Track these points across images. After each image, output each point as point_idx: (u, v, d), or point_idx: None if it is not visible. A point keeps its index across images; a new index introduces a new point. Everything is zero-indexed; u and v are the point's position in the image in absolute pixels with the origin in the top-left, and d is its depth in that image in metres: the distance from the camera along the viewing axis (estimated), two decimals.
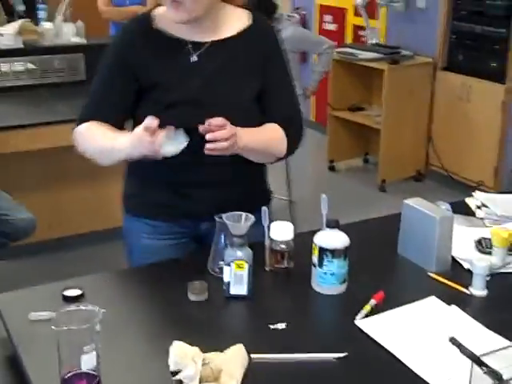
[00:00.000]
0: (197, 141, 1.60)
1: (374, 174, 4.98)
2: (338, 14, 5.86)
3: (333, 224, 1.56)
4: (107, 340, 1.30)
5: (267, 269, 1.67)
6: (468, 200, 2.11)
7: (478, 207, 2.03)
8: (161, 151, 1.57)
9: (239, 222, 1.54)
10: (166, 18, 1.74)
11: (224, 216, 1.55)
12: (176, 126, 1.62)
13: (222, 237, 1.63)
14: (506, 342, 1.35)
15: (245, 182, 1.85)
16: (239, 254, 1.53)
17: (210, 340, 1.36)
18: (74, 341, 1.21)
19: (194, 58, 1.75)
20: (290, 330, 1.43)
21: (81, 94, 3.86)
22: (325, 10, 6.03)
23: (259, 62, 1.79)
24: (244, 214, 1.55)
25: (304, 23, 6.18)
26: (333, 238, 1.55)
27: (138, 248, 1.91)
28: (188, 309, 1.51)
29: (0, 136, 3.28)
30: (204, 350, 1.29)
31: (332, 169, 5.30)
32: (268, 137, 1.79)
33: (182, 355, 1.27)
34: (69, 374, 1.24)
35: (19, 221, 2.90)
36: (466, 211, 2.04)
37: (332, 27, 5.96)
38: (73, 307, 1.26)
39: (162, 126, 1.58)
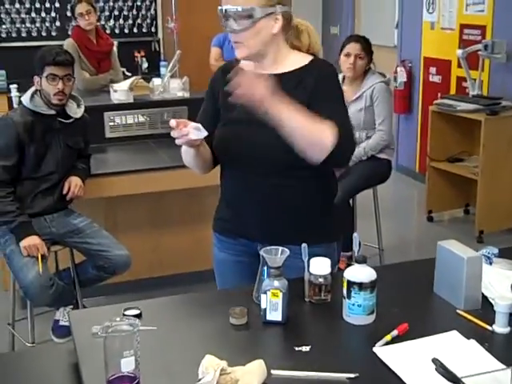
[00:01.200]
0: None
1: (474, 225, 4.96)
2: (443, 66, 5.94)
3: (361, 260, 1.71)
4: (154, 351, 1.53)
5: (306, 300, 1.84)
6: None
7: None
8: (189, 136, 1.86)
9: (276, 255, 1.73)
10: (245, 65, 2.06)
11: (262, 250, 1.74)
12: (224, 142, 2.05)
13: (265, 269, 1.82)
14: None
15: (300, 213, 2.04)
16: (275, 283, 1.71)
17: (239, 356, 1.54)
18: (115, 347, 1.44)
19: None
20: (312, 353, 1.59)
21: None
22: (430, 62, 6.13)
23: (305, 94, 1.96)
24: (280, 249, 1.74)
25: (410, 75, 6.32)
26: (360, 273, 1.70)
27: (214, 259, 2.24)
28: (227, 330, 1.71)
29: (109, 180, 3.65)
30: (231, 364, 1.48)
31: (430, 219, 5.32)
32: (314, 120, 1.87)
33: (209, 365, 1.47)
34: (113, 377, 1.47)
35: (116, 257, 3.21)
36: None
37: (436, 79, 6.04)
38: (117, 320, 1.49)
39: (217, 143, 2.06)
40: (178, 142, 1.89)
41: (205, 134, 1.89)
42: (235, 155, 2.07)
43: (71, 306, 3.29)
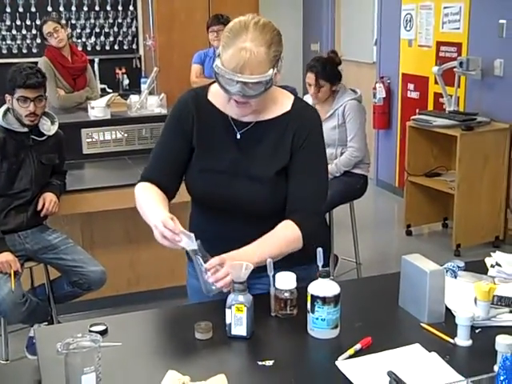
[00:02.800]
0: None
1: (451, 238, 4.99)
2: (420, 82, 6.00)
3: (324, 274, 1.73)
4: (117, 366, 1.54)
5: (272, 314, 1.85)
6: (486, 259, 2.20)
7: (492, 266, 2.12)
8: (180, 243, 1.80)
9: (240, 270, 1.74)
10: (218, 95, 1.94)
11: (227, 265, 1.75)
12: (206, 189, 1.97)
13: (199, 257, 1.80)
14: None
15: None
16: (240, 298, 1.72)
17: (203, 371, 1.55)
18: (76, 363, 1.45)
19: (238, 136, 1.97)
20: (275, 367, 1.60)
21: None
22: (408, 78, 6.20)
23: (288, 144, 1.95)
24: (244, 264, 1.75)
25: (388, 91, 6.38)
26: (324, 287, 1.72)
27: (188, 287, 2.18)
28: (192, 345, 1.71)
29: (86, 196, 3.65)
30: (194, 379, 1.49)
31: (409, 233, 5.36)
32: (280, 242, 1.89)
33: (171, 381, 1.48)
34: None
35: (91, 273, 3.21)
36: (482, 270, 2.13)
37: (414, 95, 6.11)
38: (78, 336, 1.49)
39: (196, 188, 1.98)
40: (164, 243, 1.81)
41: (194, 247, 1.80)
42: (216, 203, 2.00)
43: (46, 323, 3.27)
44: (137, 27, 7.24)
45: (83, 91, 5.01)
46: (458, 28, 5.45)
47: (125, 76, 7.05)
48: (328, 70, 4.06)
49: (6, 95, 3.13)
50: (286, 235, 1.91)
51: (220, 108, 1.99)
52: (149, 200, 1.97)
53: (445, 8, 5.56)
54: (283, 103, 2.00)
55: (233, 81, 1.81)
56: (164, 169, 2.03)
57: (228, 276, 1.73)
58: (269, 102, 1.97)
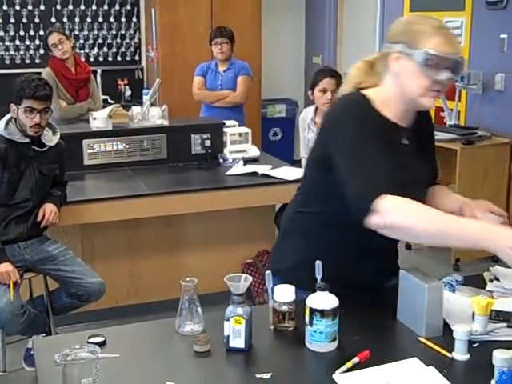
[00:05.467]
0: None
1: (451, 253, 4.99)
2: None
3: (323, 287, 1.73)
4: (115, 378, 1.55)
5: (271, 327, 1.85)
6: (485, 274, 2.20)
7: (491, 280, 2.12)
8: None
9: (239, 282, 1.74)
10: (380, 102, 1.91)
11: (226, 277, 1.76)
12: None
13: (187, 299, 1.83)
14: None
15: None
16: (238, 310, 1.72)
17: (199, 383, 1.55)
18: (74, 374, 1.45)
19: (406, 141, 1.97)
20: (273, 380, 1.60)
21: (161, 171, 4.26)
22: None
23: (427, 140, 2.09)
24: (243, 276, 1.75)
25: None
26: (322, 300, 1.72)
27: None
28: (190, 357, 1.71)
29: (87, 207, 3.66)
30: None
31: (408, 247, 5.36)
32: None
33: None
34: None
35: (90, 284, 3.21)
36: (480, 284, 2.13)
37: None
38: (77, 348, 1.50)
39: None
40: None
41: None
42: None
43: (44, 334, 3.27)
44: (139, 39, 7.28)
45: (85, 103, 5.03)
46: (460, 42, 5.46)
47: (127, 87, 7.08)
48: (341, 79, 4.16)
49: (12, 105, 3.15)
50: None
51: (388, 116, 1.92)
52: (443, 215, 1.75)
53: (447, 22, 5.57)
54: None
55: (448, 65, 1.82)
56: (394, 181, 1.80)
57: None
58: None
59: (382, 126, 1.90)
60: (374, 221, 1.74)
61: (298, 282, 1.88)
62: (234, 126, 4.68)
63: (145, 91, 5.68)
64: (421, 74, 1.84)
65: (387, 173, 1.79)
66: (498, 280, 2.10)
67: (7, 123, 3.17)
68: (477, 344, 1.74)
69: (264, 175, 4.05)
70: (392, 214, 1.73)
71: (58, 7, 6.87)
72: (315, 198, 2.03)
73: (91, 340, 1.77)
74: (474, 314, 1.82)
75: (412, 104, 1.92)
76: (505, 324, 1.81)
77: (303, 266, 1.93)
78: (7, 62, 6.84)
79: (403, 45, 1.86)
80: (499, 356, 1.52)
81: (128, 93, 7.06)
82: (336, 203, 1.88)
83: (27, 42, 6.86)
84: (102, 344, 1.75)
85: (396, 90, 1.91)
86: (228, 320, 1.73)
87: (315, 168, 2.03)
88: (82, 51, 7.04)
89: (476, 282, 2.13)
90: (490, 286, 2.09)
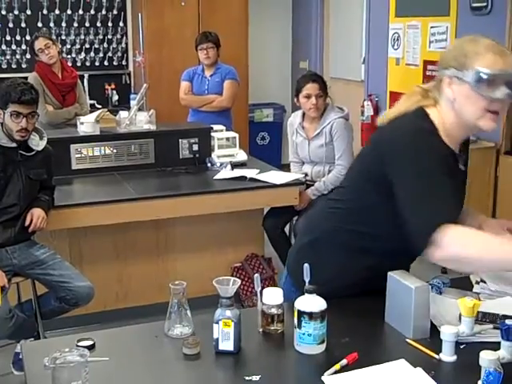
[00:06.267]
0: None
1: None
2: None
3: (311, 290, 1.75)
4: (104, 381, 1.56)
5: (260, 330, 1.86)
6: (471, 276, 2.22)
7: (477, 282, 2.14)
8: None
9: (227, 285, 1.75)
10: (443, 129, 1.86)
11: (215, 280, 1.77)
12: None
13: (175, 302, 1.84)
14: None
15: None
16: (227, 313, 1.73)
17: None
18: (63, 378, 1.45)
19: (462, 167, 1.98)
20: (261, 382, 1.61)
21: (149, 176, 4.26)
22: (395, 96, 6.20)
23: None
24: (232, 279, 1.76)
25: (376, 109, 6.44)
26: (310, 303, 1.73)
27: None
28: (180, 360, 1.72)
29: (75, 212, 3.66)
30: None
31: None
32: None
33: None
34: None
35: (78, 288, 3.21)
36: (466, 286, 2.15)
37: None
38: (66, 351, 1.50)
39: None
40: None
41: None
42: None
43: (32, 339, 3.26)
44: (126, 43, 7.27)
45: (72, 107, 5.02)
46: (445, 47, 5.51)
47: (114, 92, 7.06)
48: (325, 82, 4.21)
49: None
50: None
51: (451, 145, 1.89)
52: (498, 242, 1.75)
53: (432, 27, 5.63)
54: None
55: (504, 82, 1.75)
56: (457, 209, 1.89)
57: None
58: None
59: (445, 153, 1.85)
60: (438, 253, 1.72)
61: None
62: (222, 130, 4.69)
63: (132, 96, 5.69)
64: (475, 95, 1.78)
65: (453, 201, 1.79)
66: (484, 282, 2.12)
67: None
68: (464, 345, 1.76)
69: (252, 179, 4.06)
70: (458, 245, 1.71)
71: (45, 12, 6.86)
72: (364, 217, 1.96)
73: (80, 343, 1.77)
74: (460, 315, 1.84)
75: (471, 129, 1.88)
76: (491, 325, 1.83)
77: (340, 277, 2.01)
78: None
79: (454, 69, 1.82)
80: (486, 357, 1.54)
81: (115, 97, 7.04)
82: (390, 229, 1.88)
83: (13, 47, 6.83)
84: (91, 347, 1.76)
85: (454, 117, 1.85)
86: (217, 323, 1.73)
87: (369, 187, 1.93)
88: (69, 56, 7.02)
89: (463, 284, 2.15)
90: (476, 288, 2.11)
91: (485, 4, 5.04)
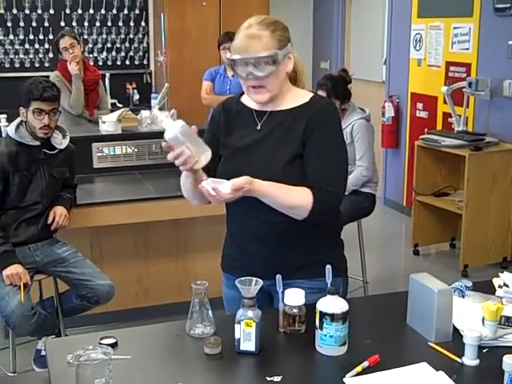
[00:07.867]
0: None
1: (459, 259, 4.99)
2: (429, 102, 6.03)
3: (333, 291, 1.75)
4: (127, 380, 1.57)
5: (281, 330, 1.86)
6: (494, 280, 2.21)
7: (500, 286, 2.12)
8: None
9: (250, 285, 1.76)
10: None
11: (236, 280, 1.77)
12: (229, 171, 1.97)
13: (197, 302, 1.85)
14: None
15: (297, 247, 2.04)
16: (249, 313, 1.74)
17: None
18: (87, 375, 1.47)
19: (259, 127, 2.07)
20: (283, 383, 1.61)
21: (170, 175, 4.26)
22: (417, 97, 6.22)
23: (300, 130, 2.00)
24: (254, 279, 1.77)
25: (397, 111, 6.41)
26: (332, 304, 1.73)
27: (224, 296, 2.23)
28: (201, 360, 1.73)
29: (96, 210, 3.68)
30: None
31: (416, 253, 5.36)
32: (288, 189, 1.94)
33: None
34: None
35: (99, 286, 3.23)
36: (489, 290, 2.14)
37: (423, 114, 6.13)
38: (90, 348, 1.51)
39: (220, 170, 2.06)
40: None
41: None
42: None
43: (53, 336, 3.29)
44: (148, 43, 7.31)
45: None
46: (468, 48, 5.48)
47: (135, 91, 7.11)
48: (338, 88, 4.08)
49: (21, 108, 3.18)
50: (298, 193, 1.95)
51: (248, 105, 2.10)
52: None
53: (454, 28, 5.59)
54: (303, 97, 2.08)
55: (242, 63, 1.94)
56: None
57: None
58: (288, 95, 2.07)
59: (238, 113, 2.15)
60: None
61: None
62: None
63: (153, 95, 5.72)
64: None
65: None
66: (507, 286, 2.10)
67: (18, 126, 3.20)
68: (486, 349, 1.75)
69: None
70: None
71: (68, 11, 6.92)
72: None
73: (103, 341, 1.79)
74: (483, 319, 1.83)
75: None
76: None
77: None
78: (17, 65, 6.89)
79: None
80: (509, 361, 1.53)
81: (136, 97, 7.09)
82: None
83: (36, 46, 6.90)
84: (113, 345, 1.77)
85: None
86: (239, 323, 1.74)
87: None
88: (91, 55, 7.07)
89: (485, 288, 2.14)
90: (499, 292, 2.09)
91: (509, 5, 5.00)
